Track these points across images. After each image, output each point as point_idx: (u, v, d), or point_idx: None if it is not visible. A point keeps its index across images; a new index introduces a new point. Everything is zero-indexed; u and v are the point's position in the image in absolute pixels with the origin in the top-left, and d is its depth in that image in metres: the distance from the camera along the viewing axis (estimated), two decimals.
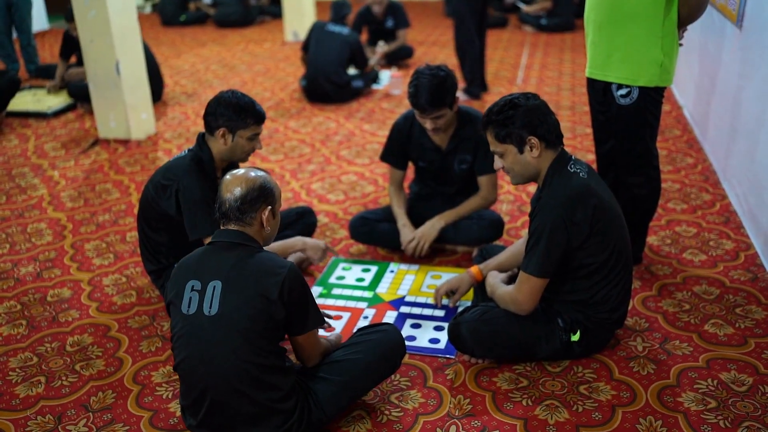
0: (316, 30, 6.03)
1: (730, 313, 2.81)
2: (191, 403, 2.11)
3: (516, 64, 7.04)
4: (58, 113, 5.86)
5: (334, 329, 2.72)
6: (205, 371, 2.04)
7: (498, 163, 2.50)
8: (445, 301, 2.94)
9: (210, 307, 2.03)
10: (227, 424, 2.09)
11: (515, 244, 2.78)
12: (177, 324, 2.10)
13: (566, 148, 2.48)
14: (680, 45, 2.96)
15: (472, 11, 5.66)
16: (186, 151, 2.87)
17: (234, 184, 2.11)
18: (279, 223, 2.25)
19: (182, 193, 2.73)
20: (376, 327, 2.43)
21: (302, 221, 3.34)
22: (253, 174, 2.15)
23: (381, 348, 2.34)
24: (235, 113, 2.73)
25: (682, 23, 2.84)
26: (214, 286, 2.04)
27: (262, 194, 2.13)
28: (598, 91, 3.01)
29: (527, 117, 2.36)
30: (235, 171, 2.17)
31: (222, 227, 2.14)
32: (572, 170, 2.41)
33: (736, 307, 2.84)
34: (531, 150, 2.39)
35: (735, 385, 2.40)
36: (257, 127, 2.79)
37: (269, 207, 2.15)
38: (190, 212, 2.73)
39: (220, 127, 2.75)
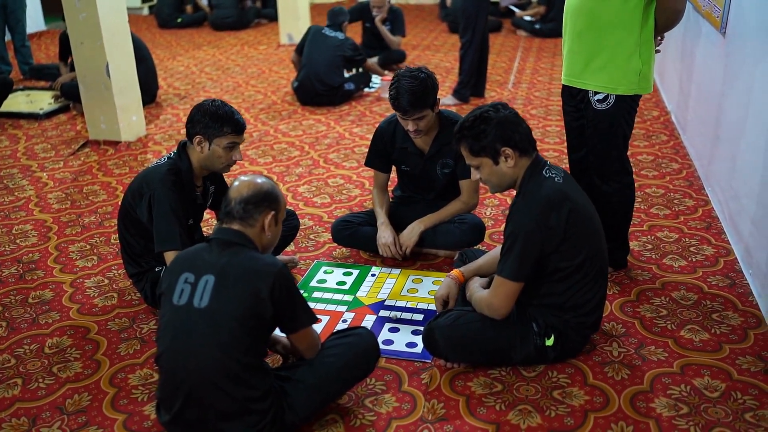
0: (312, 33, 6.05)
1: (706, 318, 2.82)
2: (168, 395, 2.13)
3: (508, 69, 7.05)
4: (50, 114, 5.87)
5: (320, 320, 2.76)
6: (186, 362, 2.07)
7: (475, 174, 2.52)
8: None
9: (201, 300, 2.07)
10: (201, 418, 2.10)
11: (495, 248, 2.79)
12: (165, 314, 2.14)
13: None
14: (657, 52, 2.98)
15: (482, 13, 5.61)
16: (165, 158, 2.88)
17: (243, 185, 2.20)
18: (279, 233, 2.31)
19: (154, 203, 2.75)
20: (350, 330, 2.45)
21: (284, 224, 3.31)
22: (260, 180, 2.24)
23: (354, 351, 2.35)
24: (212, 120, 2.75)
25: (660, 31, 2.86)
26: (207, 280, 2.08)
27: (267, 198, 2.20)
28: (574, 97, 3.03)
29: (500, 129, 2.38)
30: (244, 176, 2.25)
31: (224, 226, 2.19)
32: (547, 175, 2.43)
33: (713, 312, 2.86)
34: (506, 160, 2.41)
35: (708, 391, 2.41)
36: (235, 136, 2.80)
37: (273, 212, 2.21)
38: (159, 224, 2.75)
39: (197, 134, 2.77)
